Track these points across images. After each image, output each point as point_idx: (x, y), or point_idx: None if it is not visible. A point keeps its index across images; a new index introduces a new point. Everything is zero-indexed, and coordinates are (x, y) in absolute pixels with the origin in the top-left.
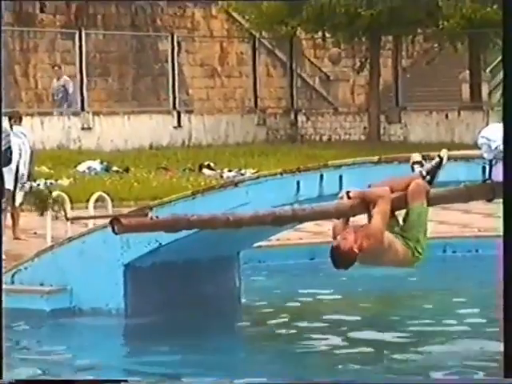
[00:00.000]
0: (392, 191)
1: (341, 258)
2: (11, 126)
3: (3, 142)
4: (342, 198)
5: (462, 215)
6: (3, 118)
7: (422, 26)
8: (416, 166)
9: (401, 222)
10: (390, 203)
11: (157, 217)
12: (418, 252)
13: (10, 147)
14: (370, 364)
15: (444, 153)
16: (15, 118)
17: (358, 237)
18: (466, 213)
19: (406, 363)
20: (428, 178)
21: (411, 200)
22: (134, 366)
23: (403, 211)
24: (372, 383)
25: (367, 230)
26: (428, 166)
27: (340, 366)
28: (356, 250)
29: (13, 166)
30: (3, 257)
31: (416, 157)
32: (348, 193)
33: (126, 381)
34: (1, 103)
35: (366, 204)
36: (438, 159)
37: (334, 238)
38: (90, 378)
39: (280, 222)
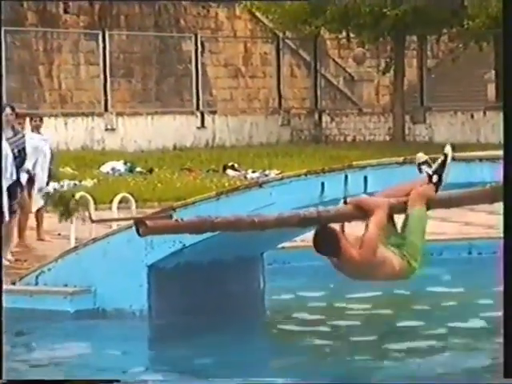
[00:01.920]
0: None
1: (323, 236)
2: (33, 129)
3: (19, 143)
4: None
5: (487, 216)
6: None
7: (447, 26)
8: (424, 167)
9: (399, 229)
10: (389, 209)
11: (181, 219)
12: (415, 260)
13: (24, 148)
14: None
15: (448, 149)
16: (36, 120)
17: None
18: (492, 214)
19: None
20: (435, 178)
21: (410, 207)
22: (158, 366)
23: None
24: (372, 383)
25: (360, 239)
26: (434, 165)
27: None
28: (340, 237)
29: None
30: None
31: (421, 157)
32: (345, 199)
33: (118, 381)
34: (1, 101)
35: (363, 212)
36: (442, 157)
37: None
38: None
39: (305, 223)
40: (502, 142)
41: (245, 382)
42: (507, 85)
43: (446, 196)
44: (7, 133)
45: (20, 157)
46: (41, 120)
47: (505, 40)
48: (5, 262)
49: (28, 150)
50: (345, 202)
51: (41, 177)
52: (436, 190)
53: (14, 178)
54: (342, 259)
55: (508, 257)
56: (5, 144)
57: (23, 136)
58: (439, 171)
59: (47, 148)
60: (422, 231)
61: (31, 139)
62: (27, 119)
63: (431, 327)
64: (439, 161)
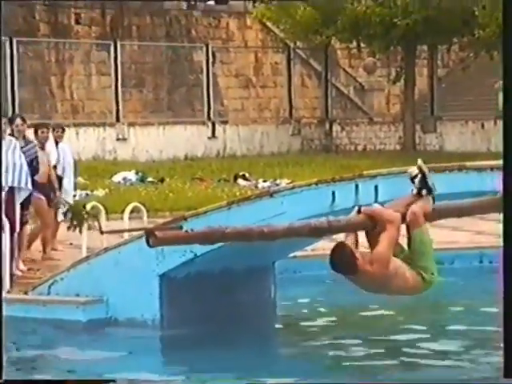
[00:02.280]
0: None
1: (340, 256)
2: (56, 142)
3: (31, 152)
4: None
5: (498, 225)
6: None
7: (458, 35)
8: (416, 180)
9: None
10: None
11: (191, 229)
12: (430, 276)
13: (36, 157)
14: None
15: (420, 163)
16: (58, 131)
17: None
18: None
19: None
20: (424, 191)
21: (410, 229)
22: (170, 375)
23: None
24: (372, 383)
25: (372, 255)
26: (416, 182)
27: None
28: (357, 256)
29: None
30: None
31: (413, 171)
32: (359, 207)
33: (114, 381)
34: (0, 108)
35: (374, 222)
36: (419, 174)
37: None
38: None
39: (316, 233)
40: (502, 151)
41: (245, 382)
42: (507, 86)
43: (456, 205)
44: (19, 143)
45: (32, 166)
46: (63, 131)
47: (504, 47)
48: (17, 273)
49: (55, 160)
50: (359, 211)
51: (68, 187)
52: (432, 201)
53: (30, 187)
54: (358, 275)
55: (509, 257)
56: (19, 153)
57: (35, 146)
58: (423, 186)
59: (71, 158)
60: (429, 250)
61: (61, 150)
62: (50, 130)
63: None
64: (418, 177)
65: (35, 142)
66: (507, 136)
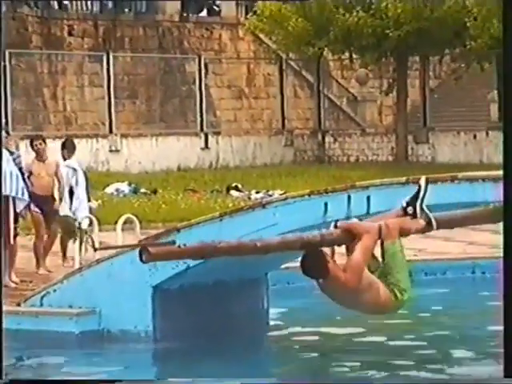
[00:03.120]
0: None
1: (310, 259)
2: (64, 158)
3: (16, 162)
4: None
5: (491, 236)
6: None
7: (450, 47)
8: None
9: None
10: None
11: (184, 244)
12: (401, 294)
13: (21, 168)
14: None
15: (423, 181)
16: (68, 149)
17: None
18: (496, 233)
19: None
20: (410, 209)
21: (383, 241)
22: None
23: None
24: (371, 383)
25: (345, 263)
26: (407, 197)
27: None
28: (328, 259)
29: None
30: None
31: (421, 180)
32: (336, 222)
33: (120, 381)
34: (0, 120)
35: (351, 236)
36: (416, 188)
37: None
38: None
39: (308, 247)
40: (502, 162)
41: (245, 382)
42: (507, 106)
43: (448, 216)
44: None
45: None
46: (73, 148)
47: (505, 60)
48: (11, 284)
49: (62, 176)
50: (335, 226)
51: (77, 204)
52: (416, 218)
53: (27, 198)
54: (328, 281)
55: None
56: (13, 164)
57: (19, 156)
58: (411, 203)
59: (81, 172)
60: (400, 264)
61: (66, 166)
62: (58, 147)
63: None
64: (412, 193)
65: (18, 152)
66: (507, 146)
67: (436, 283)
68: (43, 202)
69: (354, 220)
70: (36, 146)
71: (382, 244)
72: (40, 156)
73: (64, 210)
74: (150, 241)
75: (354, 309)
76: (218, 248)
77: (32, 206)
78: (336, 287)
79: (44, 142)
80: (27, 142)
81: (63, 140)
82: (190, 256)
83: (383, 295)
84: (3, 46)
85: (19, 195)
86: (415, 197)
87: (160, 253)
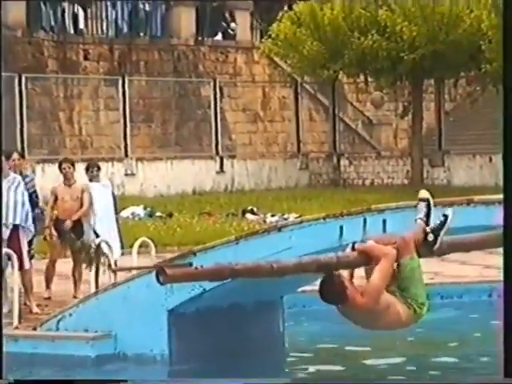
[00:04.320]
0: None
1: (328, 285)
2: (90, 179)
3: (29, 186)
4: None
5: None
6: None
7: (465, 70)
8: (423, 204)
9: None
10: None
11: (201, 266)
12: (420, 308)
13: (35, 191)
14: None
15: (450, 212)
16: (92, 168)
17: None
18: None
19: None
20: (431, 237)
21: (400, 256)
22: None
23: None
24: (371, 383)
25: (363, 287)
26: (432, 224)
27: None
28: (347, 285)
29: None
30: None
31: (424, 193)
32: (354, 244)
33: (125, 381)
34: (1, 137)
35: (369, 259)
36: (443, 218)
37: None
38: None
39: (325, 269)
40: (502, 185)
41: (245, 382)
42: (507, 92)
43: (464, 240)
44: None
45: (32, 200)
46: (98, 169)
47: (504, 77)
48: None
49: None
50: (353, 248)
51: (100, 228)
52: (432, 247)
53: (32, 230)
54: (347, 306)
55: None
56: (22, 191)
57: (32, 179)
58: (436, 232)
59: (110, 194)
60: (418, 277)
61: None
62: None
63: None
64: (438, 221)
65: (32, 175)
66: (507, 170)
67: (452, 306)
68: (64, 227)
69: (371, 242)
70: (64, 169)
71: (397, 259)
72: (67, 180)
73: (88, 235)
74: (166, 263)
75: (374, 329)
76: (235, 269)
77: (52, 229)
78: (355, 311)
79: (73, 165)
80: (42, 165)
81: (88, 163)
82: (206, 277)
83: (403, 313)
84: (20, 70)
85: (23, 223)
86: (441, 227)
87: (177, 274)
